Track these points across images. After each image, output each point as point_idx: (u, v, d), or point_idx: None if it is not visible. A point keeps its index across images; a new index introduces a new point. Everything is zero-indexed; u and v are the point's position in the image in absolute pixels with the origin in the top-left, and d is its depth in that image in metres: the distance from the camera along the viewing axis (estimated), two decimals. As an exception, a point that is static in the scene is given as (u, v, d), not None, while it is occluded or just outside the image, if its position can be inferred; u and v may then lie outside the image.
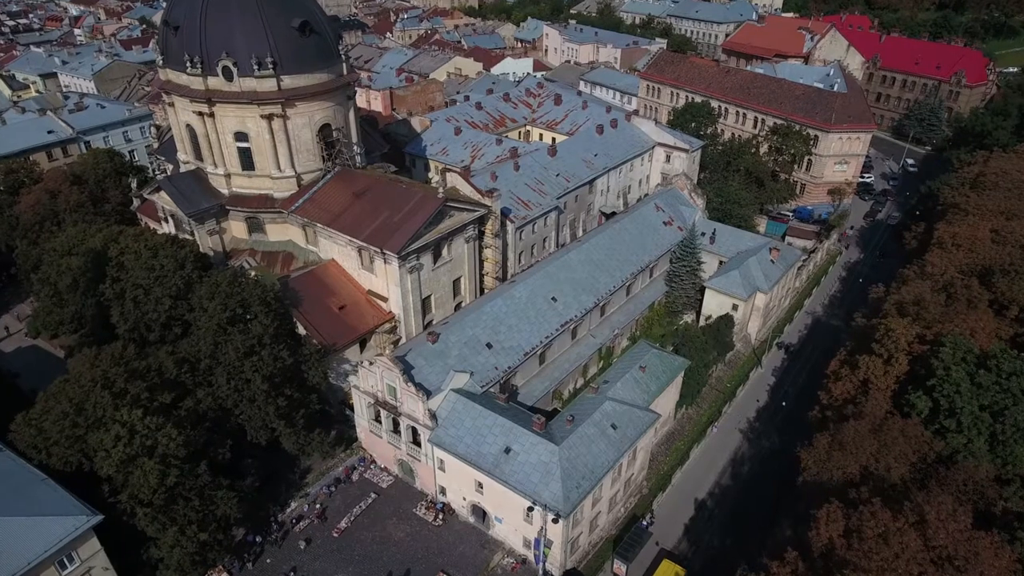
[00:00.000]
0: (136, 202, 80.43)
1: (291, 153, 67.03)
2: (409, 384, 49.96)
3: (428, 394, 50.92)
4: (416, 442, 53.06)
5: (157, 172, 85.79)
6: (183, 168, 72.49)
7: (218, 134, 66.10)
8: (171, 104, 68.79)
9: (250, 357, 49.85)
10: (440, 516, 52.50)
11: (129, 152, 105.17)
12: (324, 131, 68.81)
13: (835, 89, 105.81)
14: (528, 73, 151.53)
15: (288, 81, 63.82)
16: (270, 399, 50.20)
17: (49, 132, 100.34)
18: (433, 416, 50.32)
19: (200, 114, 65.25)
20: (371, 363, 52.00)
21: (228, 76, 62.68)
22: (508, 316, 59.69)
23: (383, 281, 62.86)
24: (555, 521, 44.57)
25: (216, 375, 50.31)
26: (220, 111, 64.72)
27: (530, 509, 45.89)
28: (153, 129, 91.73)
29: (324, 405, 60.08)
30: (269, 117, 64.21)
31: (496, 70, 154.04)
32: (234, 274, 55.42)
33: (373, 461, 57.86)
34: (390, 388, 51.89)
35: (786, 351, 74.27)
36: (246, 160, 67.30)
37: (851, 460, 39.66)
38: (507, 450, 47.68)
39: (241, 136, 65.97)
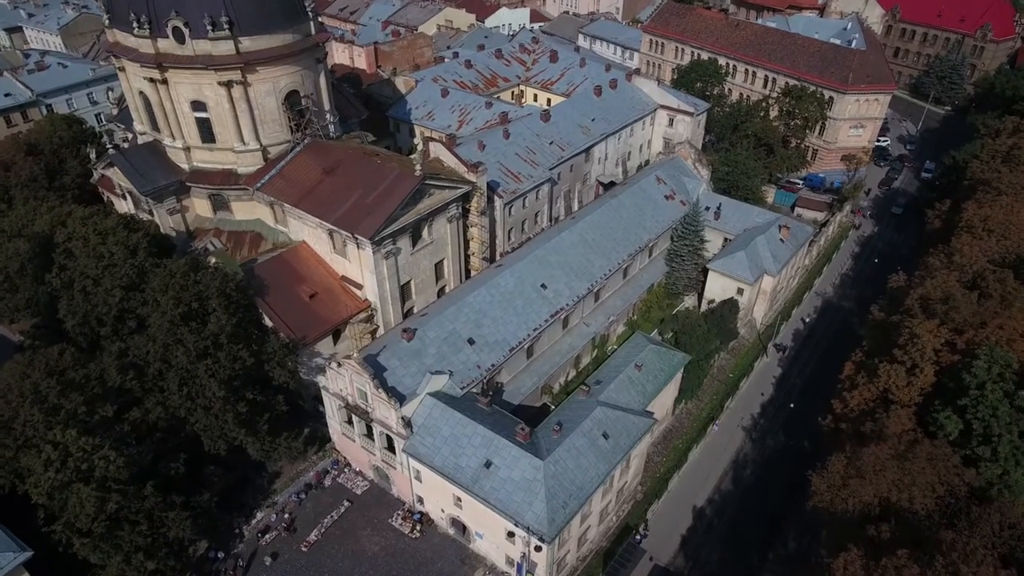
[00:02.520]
0: (96, 175, 74.40)
1: (255, 124, 60.76)
2: (380, 390, 45.31)
3: (402, 399, 46.39)
4: (391, 448, 48.80)
5: (109, 143, 78.57)
6: (141, 139, 66.42)
7: (173, 103, 59.75)
8: (121, 69, 62.19)
9: (204, 360, 45.09)
10: (417, 527, 48.64)
11: (95, 116, 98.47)
12: (291, 99, 62.30)
13: (853, 45, 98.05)
14: (524, 26, 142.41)
15: (247, 43, 57.07)
16: (228, 405, 45.60)
17: (6, 95, 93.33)
18: (408, 424, 45.86)
19: (152, 81, 58.76)
20: (339, 364, 47.22)
21: (179, 38, 55.98)
22: (492, 307, 54.61)
23: (357, 267, 57.57)
24: (538, 549, 40.57)
25: (167, 380, 45.62)
26: (173, 77, 58.23)
27: (511, 535, 41.90)
28: (110, 93, 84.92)
29: (297, 400, 55.74)
30: (228, 84, 57.75)
31: (490, 22, 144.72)
32: (190, 263, 50.32)
33: (347, 464, 53.77)
34: (361, 392, 47.32)
35: (783, 352, 68.29)
36: (206, 132, 61.08)
37: (870, 489, 35.22)
38: (488, 464, 43.36)
39: (199, 105, 59.60)
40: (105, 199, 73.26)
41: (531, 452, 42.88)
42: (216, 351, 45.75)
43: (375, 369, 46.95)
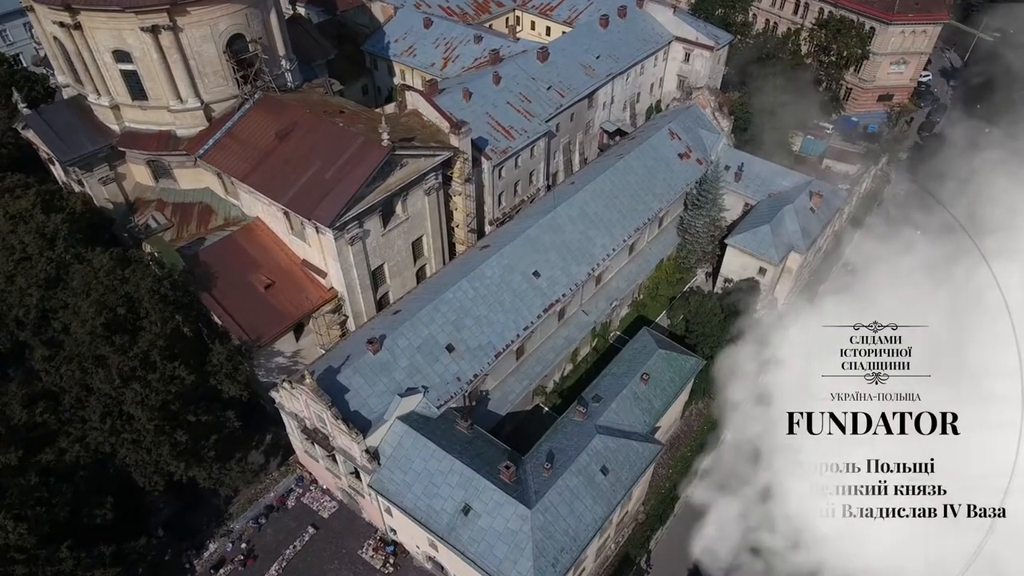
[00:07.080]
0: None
1: (192, 77, 50.82)
2: (339, 420, 38.39)
3: (367, 425, 39.61)
4: (358, 476, 42.51)
5: (21, 101, 67.74)
6: (65, 93, 56.69)
7: (92, 53, 49.71)
8: (30, 8, 51.63)
9: (131, 383, 38.05)
10: (391, 560, 43.23)
11: (35, 49, 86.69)
12: (236, 45, 52.00)
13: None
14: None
15: (173, -22, 46.51)
16: (162, 436, 38.92)
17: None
18: (374, 456, 39.29)
19: (64, 26, 48.51)
20: (292, 385, 40.09)
21: (87, -27, 45.44)
22: (475, 304, 46.79)
23: (318, 252, 49.42)
24: (523, 622, 34.91)
25: (88, 410, 38.71)
26: (88, 22, 47.93)
27: (491, 601, 36.18)
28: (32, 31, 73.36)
29: (258, 400, 49.21)
30: (154, 30, 47.55)
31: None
32: (118, 258, 42.53)
33: (313, 481, 47.82)
34: (319, 416, 40.45)
35: None
36: (135, 87, 51.26)
37: None
38: (466, 509, 37.08)
39: (122, 56, 49.58)
40: (44, 158, 63.99)
41: (517, 497, 36.47)
42: (147, 372, 38.70)
43: (335, 390, 39.91)
